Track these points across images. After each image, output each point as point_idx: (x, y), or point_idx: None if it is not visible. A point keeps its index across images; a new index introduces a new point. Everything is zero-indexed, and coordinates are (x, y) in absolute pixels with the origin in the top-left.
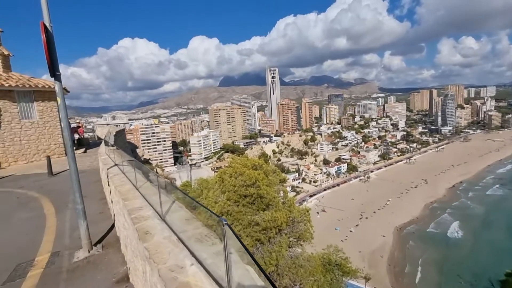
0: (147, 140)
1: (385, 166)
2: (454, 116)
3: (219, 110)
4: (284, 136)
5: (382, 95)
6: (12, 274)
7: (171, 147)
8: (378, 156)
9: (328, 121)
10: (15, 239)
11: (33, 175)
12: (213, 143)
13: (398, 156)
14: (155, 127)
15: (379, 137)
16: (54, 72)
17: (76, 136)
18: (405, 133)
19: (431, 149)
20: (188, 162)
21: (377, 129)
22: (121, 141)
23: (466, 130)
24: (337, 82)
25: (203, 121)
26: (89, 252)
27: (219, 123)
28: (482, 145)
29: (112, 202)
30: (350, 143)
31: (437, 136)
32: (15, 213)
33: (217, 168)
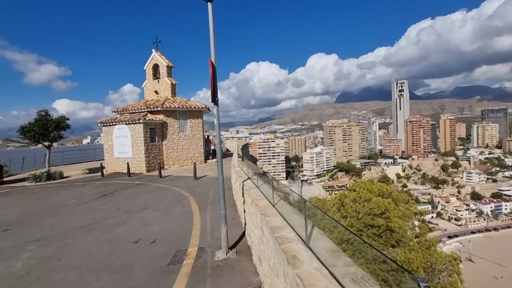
0: (263, 153)
1: None
2: None
3: (334, 127)
4: (412, 159)
5: None
6: (173, 259)
7: (284, 162)
8: None
9: (481, 143)
10: (174, 229)
11: (184, 177)
12: (326, 160)
13: None
14: (271, 141)
15: None
16: (214, 98)
17: (212, 147)
18: None
19: None
20: (299, 178)
21: None
22: (245, 154)
23: None
24: (497, 93)
25: (317, 137)
26: (226, 254)
27: (334, 140)
28: None
29: (244, 212)
30: None
31: None
32: (173, 207)
33: (329, 187)
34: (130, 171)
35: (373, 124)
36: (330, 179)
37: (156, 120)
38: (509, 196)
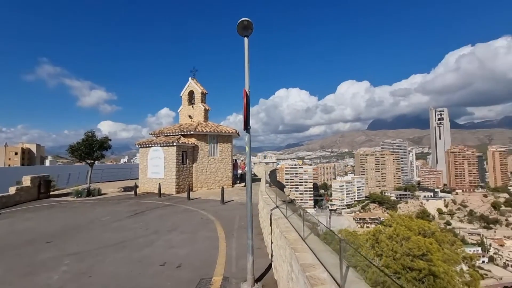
0: (290, 179)
1: None
2: None
3: (366, 155)
4: (456, 193)
5: None
6: (197, 287)
7: (312, 189)
8: None
9: None
10: (200, 254)
11: (211, 200)
12: (357, 190)
13: None
14: (299, 167)
15: None
16: (246, 126)
17: (239, 171)
18: None
19: None
20: (328, 207)
21: None
22: (273, 179)
23: None
24: None
25: (347, 165)
26: (252, 287)
27: (366, 169)
28: None
29: (271, 242)
30: None
31: None
32: (200, 230)
33: (360, 219)
34: (161, 192)
35: (409, 153)
36: (362, 211)
37: (188, 143)
38: None
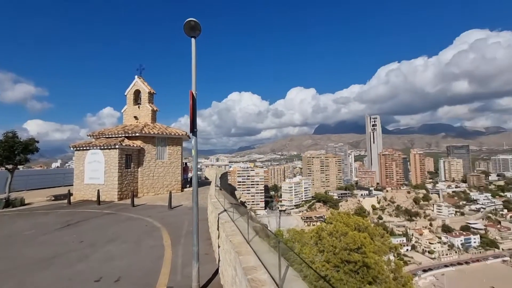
0: (243, 182)
1: None
2: None
3: (313, 157)
4: (387, 191)
5: None
6: None
7: (263, 191)
8: None
9: (448, 177)
10: (142, 264)
11: (158, 206)
12: (304, 191)
13: None
14: (251, 170)
15: None
16: (193, 129)
17: (190, 175)
18: None
19: None
20: (278, 208)
21: None
22: (224, 182)
23: None
24: (459, 131)
25: (296, 167)
26: None
27: (312, 171)
28: None
29: (218, 247)
30: (484, 208)
31: None
32: (144, 239)
33: (307, 218)
34: (101, 199)
35: (349, 156)
36: (308, 210)
37: (133, 146)
38: (476, 229)
